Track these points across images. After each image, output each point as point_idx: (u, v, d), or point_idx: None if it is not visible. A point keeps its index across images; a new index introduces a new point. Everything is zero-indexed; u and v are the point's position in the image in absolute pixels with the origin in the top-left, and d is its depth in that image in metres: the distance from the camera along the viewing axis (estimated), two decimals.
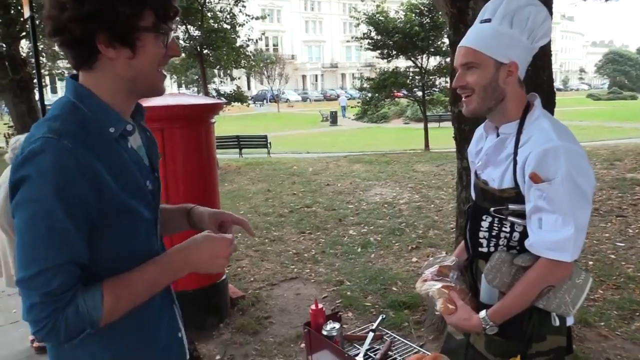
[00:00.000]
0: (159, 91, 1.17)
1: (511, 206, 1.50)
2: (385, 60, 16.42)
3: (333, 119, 31.96)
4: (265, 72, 46.97)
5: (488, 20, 1.47)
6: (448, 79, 18.11)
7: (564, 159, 1.37)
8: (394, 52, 15.91)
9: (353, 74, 63.74)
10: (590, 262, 4.79)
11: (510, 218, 1.51)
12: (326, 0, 69.03)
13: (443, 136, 21.24)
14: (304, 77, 67.02)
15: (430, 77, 16.41)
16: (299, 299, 4.32)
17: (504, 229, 1.53)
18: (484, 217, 1.57)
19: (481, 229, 1.58)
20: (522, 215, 1.48)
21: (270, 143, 16.95)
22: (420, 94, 16.63)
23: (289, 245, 5.80)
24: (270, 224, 6.67)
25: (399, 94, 18.14)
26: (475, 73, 1.46)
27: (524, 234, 1.49)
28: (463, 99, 1.52)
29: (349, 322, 3.82)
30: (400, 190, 8.65)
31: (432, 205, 7.48)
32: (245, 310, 4.10)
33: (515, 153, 1.46)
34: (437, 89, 17.07)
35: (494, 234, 1.55)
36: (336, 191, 8.68)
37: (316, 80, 69.14)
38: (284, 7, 64.63)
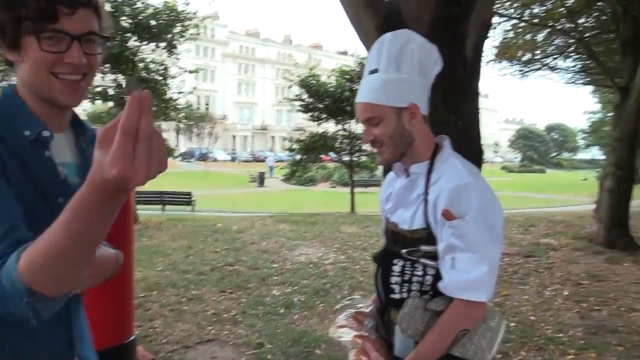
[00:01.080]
0: (58, 100, 1.07)
1: (423, 247, 1.45)
2: (316, 123, 16.71)
3: (261, 180, 31.91)
4: (195, 130, 46.65)
5: (375, 71, 1.48)
6: None
7: (475, 195, 1.37)
8: (324, 116, 16.26)
9: (283, 137, 64.58)
10: (512, 324, 4.80)
11: (422, 260, 1.46)
12: (260, 64, 70.57)
13: (369, 200, 21.69)
14: (234, 137, 67.13)
15: (358, 142, 16.82)
16: None
17: (416, 272, 1.47)
18: (395, 262, 1.51)
19: (392, 274, 1.51)
20: (434, 257, 1.44)
21: (194, 200, 16.50)
22: (348, 158, 16.96)
23: (208, 304, 5.45)
24: (189, 281, 6.30)
25: (326, 157, 18.42)
26: (379, 126, 1.46)
27: (437, 277, 1.44)
28: (375, 151, 1.53)
29: None
30: (325, 250, 8.53)
31: (358, 266, 7.39)
32: None
33: (426, 192, 1.45)
34: (364, 154, 17.49)
35: (406, 278, 1.48)
36: (261, 250, 8.43)
37: (246, 142, 69.38)
38: (218, 68, 65.33)
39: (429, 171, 1.48)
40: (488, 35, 3.19)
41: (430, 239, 1.43)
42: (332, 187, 31.71)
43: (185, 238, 9.40)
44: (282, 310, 5.33)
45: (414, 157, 1.50)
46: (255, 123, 70.25)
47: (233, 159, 55.82)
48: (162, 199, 16.60)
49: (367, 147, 17.32)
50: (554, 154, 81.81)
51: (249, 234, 10.02)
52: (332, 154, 17.65)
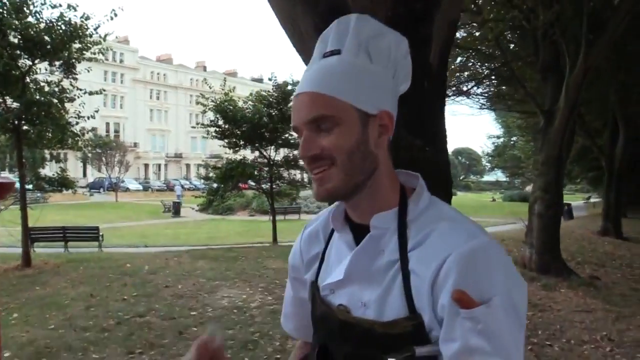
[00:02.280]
0: None
1: (419, 349, 0.88)
2: (232, 150, 15.92)
3: (175, 210, 30.33)
4: (103, 159, 44.03)
5: (337, 52, 0.94)
6: (297, 171, 18.28)
7: (498, 264, 0.86)
8: (242, 142, 15.50)
9: (198, 164, 62.79)
10: None
11: None
12: (172, 90, 68.56)
13: (290, 229, 21.06)
14: (146, 165, 64.33)
15: (278, 169, 16.22)
16: None
17: None
18: None
19: None
20: None
21: (102, 236, 15.02)
22: (267, 185, 16.27)
23: None
24: (88, 342, 5.25)
25: (245, 185, 17.66)
26: (332, 132, 0.90)
27: None
28: (314, 174, 0.92)
29: None
30: (250, 291, 7.71)
31: None
32: None
33: (404, 259, 0.91)
34: (284, 182, 16.91)
35: None
36: (176, 294, 7.45)
37: (159, 170, 66.75)
38: (127, 94, 62.66)
39: (402, 225, 0.93)
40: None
41: (419, 335, 0.88)
42: (251, 215, 30.81)
43: (87, 284, 8.19)
44: None
45: (374, 201, 0.95)
46: (168, 151, 67.78)
47: (146, 189, 53.21)
48: (64, 235, 14.92)
49: (286, 173, 17.09)
50: (462, 177, 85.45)
51: (162, 275, 8.97)
52: (251, 182, 16.88)
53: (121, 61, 62.04)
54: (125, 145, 49.92)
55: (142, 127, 64.59)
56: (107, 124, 59.30)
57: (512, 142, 38.35)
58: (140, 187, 53.31)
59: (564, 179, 9.35)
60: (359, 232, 0.98)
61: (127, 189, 49.00)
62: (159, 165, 66.83)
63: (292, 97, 15.12)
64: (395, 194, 0.97)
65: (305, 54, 2.55)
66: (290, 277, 1.19)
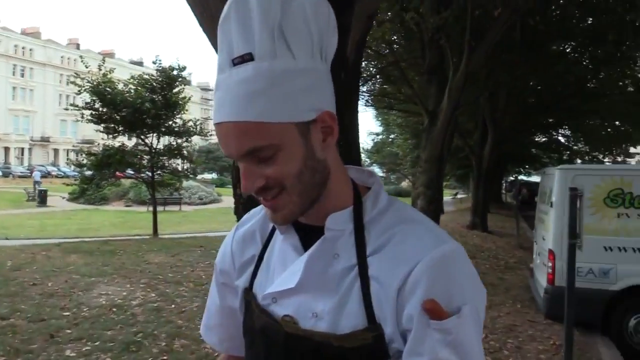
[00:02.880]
0: None
1: None
2: (110, 136, 14.85)
3: (42, 198, 27.84)
4: None
5: (248, 58, 0.76)
6: (179, 161, 17.55)
7: (466, 271, 0.82)
8: (121, 128, 14.52)
9: (68, 150, 58.32)
10: None
11: None
12: (40, 67, 62.78)
13: (170, 220, 20.26)
14: (6, 149, 58.46)
15: (161, 158, 15.44)
16: None
17: None
18: None
19: None
20: None
21: None
22: (148, 174, 15.42)
23: None
24: None
25: (121, 174, 16.63)
26: (274, 160, 0.78)
27: None
28: (264, 202, 0.84)
29: None
30: (131, 288, 7.23)
31: (173, 306, 6.33)
32: None
33: (363, 265, 0.82)
34: (167, 171, 16.15)
35: None
36: (46, 293, 6.76)
37: (22, 154, 61.01)
38: None
39: (359, 226, 0.85)
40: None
41: (379, 348, 0.80)
42: (128, 205, 29.21)
43: None
44: None
45: (325, 202, 0.85)
46: (34, 134, 62.07)
47: (6, 175, 48.31)
48: None
49: (168, 162, 16.36)
50: None
51: (28, 271, 8.11)
52: (129, 171, 15.90)
53: None
54: None
55: (3, 107, 58.53)
56: None
57: (390, 140, 40.12)
58: (0, 173, 48.31)
59: None
60: (306, 233, 0.88)
61: None
62: (22, 150, 61.10)
63: (178, 83, 14.42)
64: (349, 192, 0.88)
65: (214, 35, 2.36)
66: (217, 283, 1.05)
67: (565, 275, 5.86)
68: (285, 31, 0.77)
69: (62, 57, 65.71)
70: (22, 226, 17.52)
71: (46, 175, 48.35)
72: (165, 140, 15.87)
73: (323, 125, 0.81)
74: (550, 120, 21.55)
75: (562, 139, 27.83)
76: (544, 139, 28.15)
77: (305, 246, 0.87)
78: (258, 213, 1.01)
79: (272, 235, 0.95)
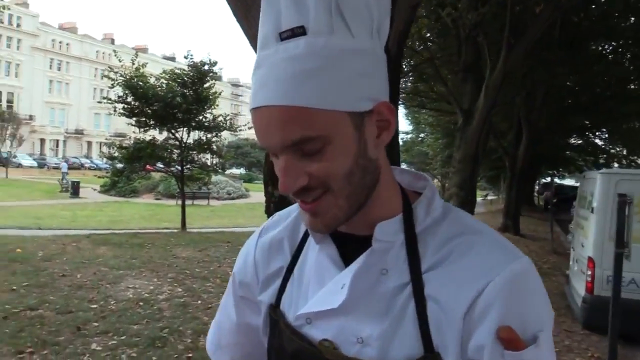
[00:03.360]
0: None
1: None
2: (141, 130, 15.00)
3: (75, 189, 28.36)
4: None
5: (300, 32, 0.64)
6: (208, 155, 17.62)
7: (541, 292, 0.71)
8: (152, 122, 14.63)
9: (101, 143, 59.50)
10: None
11: None
12: (76, 61, 64.12)
13: (199, 214, 20.40)
14: (42, 140, 59.90)
15: (190, 152, 15.54)
16: None
17: None
18: None
19: None
20: None
21: None
22: (178, 168, 15.52)
23: None
24: None
25: (151, 167, 16.81)
26: (322, 155, 0.66)
27: None
28: (303, 205, 0.71)
29: None
30: (158, 282, 7.23)
31: (200, 302, 6.28)
32: None
33: (418, 282, 0.70)
34: (196, 165, 16.25)
35: None
36: (74, 285, 6.80)
37: (57, 146, 62.43)
38: (24, 62, 57.75)
39: (412, 238, 0.73)
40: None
41: None
42: (157, 198, 29.55)
43: None
44: None
45: (371, 208, 0.74)
46: (68, 126, 63.45)
47: (41, 166, 49.46)
48: None
49: (197, 157, 16.48)
50: None
51: (58, 262, 8.20)
52: (160, 164, 16.04)
53: (18, 25, 57.12)
54: (19, 117, 46.02)
55: (40, 99, 60.01)
56: None
57: (420, 139, 39.71)
58: (35, 164, 49.55)
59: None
60: (345, 244, 0.76)
61: (19, 165, 45.32)
62: (57, 141, 62.50)
63: (209, 78, 14.47)
64: (397, 197, 0.76)
65: (249, 24, 2.25)
66: (235, 296, 0.92)
67: (604, 284, 5.65)
68: (342, 4, 0.65)
69: (97, 51, 66.93)
70: (54, 216, 17.84)
71: (79, 167, 49.49)
72: (195, 134, 15.95)
73: (379, 119, 0.70)
74: (587, 122, 20.93)
75: (598, 142, 27.03)
76: (579, 142, 27.40)
77: (345, 259, 0.76)
78: (285, 218, 0.89)
79: (302, 244, 0.83)
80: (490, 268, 0.68)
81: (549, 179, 37.54)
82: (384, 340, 0.70)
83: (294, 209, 0.88)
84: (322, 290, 0.76)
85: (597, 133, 25.03)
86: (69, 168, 47.49)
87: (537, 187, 37.65)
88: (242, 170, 52.86)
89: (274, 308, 0.83)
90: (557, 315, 6.65)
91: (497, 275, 0.67)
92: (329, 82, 0.64)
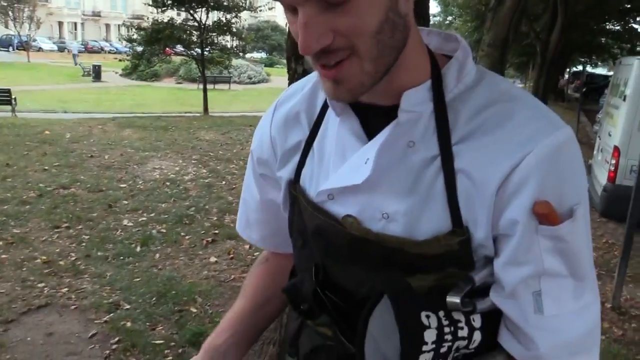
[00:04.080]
0: None
1: (477, 276, 0.67)
2: (159, 10, 14.55)
3: (96, 73, 28.26)
4: (10, 14, 39.42)
5: None
6: (228, 38, 17.17)
7: (580, 163, 0.66)
8: (169, 1, 14.15)
9: (119, 25, 58.18)
10: None
11: (479, 306, 0.68)
12: None
13: (220, 99, 20.33)
14: (60, 23, 58.74)
15: (210, 34, 15.16)
16: (52, 342, 2.91)
17: (459, 333, 0.66)
18: (421, 319, 0.64)
19: (416, 343, 0.63)
20: (480, 292, 0.68)
21: (15, 99, 13.78)
22: (198, 51, 15.24)
23: (37, 248, 4.18)
24: (7, 215, 4.86)
25: (171, 50, 16.52)
26: (350, 7, 0.57)
27: (488, 333, 0.69)
28: (325, 70, 0.62)
29: None
30: (183, 163, 7.40)
31: (224, 183, 6.46)
32: None
33: (447, 155, 0.66)
34: (216, 48, 15.92)
35: (443, 349, 0.65)
36: (103, 165, 7.01)
37: (75, 29, 61.26)
38: None
39: (441, 107, 0.67)
40: None
41: (464, 255, 0.66)
42: (179, 82, 29.39)
43: (2, 151, 7.52)
44: (138, 249, 4.31)
45: (397, 74, 0.66)
46: (85, 8, 61.78)
47: (61, 49, 48.94)
48: None
49: (217, 39, 16.04)
50: None
51: (86, 143, 8.40)
52: (179, 47, 15.75)
53: None
54: None
55: None
56: None
57: (447, 22, 38.01)
58: (55, 48, 48.96)
59: None
60: (367, 115, 0.71)
61: (39, 49, 44.93)
62: (75, 24, 61.22)
63: None
64: (425, 62, 0.68)
65: None
66: (255, 174, 0.89)
67: (627, 173, 5.61)
68: None
69: None
70: (79, 100, 17.98)
71: (99, 50, 48.88)
72: (214, 16, 15.45)
73: None
74: (629, 5, 19.58)
75: (638, 27, 25.47)
76: (617, 27, 25.85)
77: (367, 132, 0.71)
78: (300, 90, 0.83)
79: (321, 117, 0.78)
80: (528, 139, 0.63)
81: (580, 68, 36.16)
82: (410, 216, 0.67)
83: (309, 80, 0.83)
84: (344, 165, 0.72)
85: (638, 18, 23.51)
86: (89, 51, 47.09)
87: (566, 76, 36.29)
88: (263, 55, 51.74)
89: (294, 184, 0.80)
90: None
91: (536, 147, 0.62)
92: None
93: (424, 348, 0.64)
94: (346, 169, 0.71)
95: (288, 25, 0.64)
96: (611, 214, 5.86)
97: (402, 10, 0.61)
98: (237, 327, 0.92)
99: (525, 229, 0.63)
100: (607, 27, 25.67)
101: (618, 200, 5.34)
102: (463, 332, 0.66)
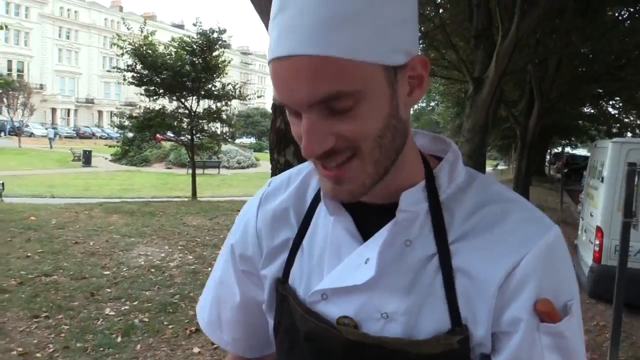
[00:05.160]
0: None
1: None
2: (151, 99, 15.00)
3: (87, 158, 28.61)
4: (4, 100, 40.35)
5: None
6: (218, 125, 17.59)
7: (569, 261, 0.70)
8: (161, 91, 14.62)
9: (112, 112, 59.55)
10: None
11: None
12: (85, 29, 63.70)
13: (209, 183, 20.54)
14: (53, 110, 59.99)
15: (200, 121, 15.55)
16: None
17: None
18: None
19: None
20: None
21: (2, 184, 13.80)
22: (188, 137, 15.56)
23: (14, 339, 4.03)
24: None
25: (161, 137, 16.85)
26: (354, 113, 0.60)
27: None
28: (326, 171, 0.64)
29: None
30: (169, 249, 7.34)
31: (210, 269, 6.36)
32: None
33: (445, 254, 0.67)
34: (206, 134, 16.27)
35: None
36: (87, 252, 6.93)
37: (68, 115, 62.51)
38: (33, 30, 57.45)
39: (436, 206, 0.69)
40: None
41: (462, 354, 0.66)
42: (168, 167, 29.76)
43: None
44: (119, 339, 4.17)
45: (396, 176, 0.68)
46: (79, 95, 63.45)
47: (53, 135, 49.69)
48: None
49: (207, 126, 16.48)
50: None
51: (71, 229, 8.34)
52: (170, 134, 16.08)
53: None
54: (30, 86, 46.01)
55: (50, 68, 59.89)
56: (10, 62, 54.55)
57: (430, 108, 39.37)
58: (47, 133, 49.79)
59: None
60: (358, 214, 0.72)
61: (31, 134, 45.58)
62: (68, 111, 62.54)
63: (218, 46, 14.30)
64: (418, 163, 0.71)
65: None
66: (236, 270, 0.85)
67: (612, 254, 5.66)
68: None
69: (105, 19, 66.35)
70: (67, 185, 18.04)
71: (91, 136, 49.70)
72: (204, 103, 15.92)
73: (412, 75, 0.64)
74: (601, 90, 20.56)
75: (612, 110, 26.60)
76: (592, 111, 26.98)
77: (361, 231, 0.71)
78: (286, 184, 0.83)
79: (310, 214, 0.77)
80: (525, 239, 0.65)
81: (560, 149, 37.21)
82: (410, 315, 0.67)
83: (295, 174, 0.83)
84: (341, 265, 0.71)
85: (610, 102, 24.62)
86: (80, 137, 47.79)
87: (548, 157, 37.31)
88: (252, 140, 52.86)
89: (282, 283, 0.78)
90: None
91: (534, 247, 0.65)
92: (366, 29, 0.57)
93: None
94: (343, 268, 0.70)
95: (291, 127, 0.65)
96: (599, 295, 5.84)
97: (402, 116, 0.64)
98: None
99: (527, 327, 0.64)
100: (584, 110, 26.77)
101: (605, 280, 5.35)
102: None
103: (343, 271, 0.70)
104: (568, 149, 40.56)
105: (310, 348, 0.74)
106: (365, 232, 0.71)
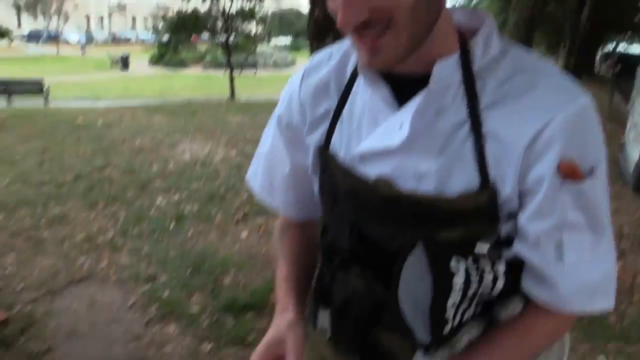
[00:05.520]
0: None
1: (501, 229, 0.73)
2: (183, 1, 14.72)
3: (124, 63, 28.77)
4: (39, 7, 40.28)
5: None
6: (253, 24, 17.24)
7: (599, 126, 0.71)
8: None
9: (145, 17, 58.85)
10: None
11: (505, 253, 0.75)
12: None
13: (246, 84, 20.47)
14: (87, 17, 59.60)
15: (234, 21, 15.27)
16: (94, 311, 3.05)
17: (485, 279, 0.74)
18: (451, 265, 0.72)
19: (443, 289, 0.73)
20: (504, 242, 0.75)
21: (47, 89, 14.16)
22: (223, 38, 15.37)
23: (76, 226, 4.34)
24: (47, 196, 5.04)
25: (196, 38, 16.69)
26: None
27: (509, 281, 0.76)
28: (362, 43, 0.67)
29: (172, 340, 2.75)
30: (213, 145, 7.52)
31: None
32: (11, 342, 2.71)
33: (476, 120, 0.70)
34: (242, 34, 16.04)
35: (471, 292, 0.74)
36: (135, 149, 7.17)
37: (102, 22, 62.11)
38: None
39: (469, 76, 0.71)
40: None
41: (491, 210, 0.72)
42: (205, 69, 29.68)
43: (38, 138, 7.75)
44: (172, 226, 4.43)
45: (431, 47, 0.71)
46: (111, 1, 62.51)
47: (89, 41, 49.80)
48: (6, 88, 13.95)
49: (242, 26, 16.09)
50: None
51: (118, 129, 8.60)
52: (205, 35, 15.93)
53: None
54: None
55: None
56: None
57: (473, 3, 37.33)
58: (84, 40, 49.91)
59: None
60: (396, 84, 0.75)
61: (67, 42, 45.80)
62: (102, 17, 62.07)
63: None
64: (453, 36, 0.73)
65: None
66: (284, 139, 0.91)
67: None
68: None
69: None
70: (108, 89, 18.34)
71: (126, 41, 49.61)
72: (237, 4, 15.54)
73: None
74: None
75: None
76: None
77: (397, 100, 0.75)
78: (327, 59, 0.86)
79: (350, 86, 0.82)
80: (553, 105, 0.68)
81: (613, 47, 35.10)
82: (441, 174, 0.72)
83: (335, 50, 0.86)
84: (377, 130, 0.76)
85: None
86: (116, 42, 47.72)
87: (599, 55, 35.26)
88: (287, 41, 51.70)
89: (323, 150, 0.84)
90: (608, 181, 6.62)
91: (562, 111, 0.67)
92: None
93: (453, 291, 0.72)
94: (380, 133, 0.76)
95: (327, 2, 0.67)
96: None
97: None
98: (298, 297, 0.89)
99: (550, 185, 0.69)
100: None
101: None
102: (488, 279, 0.73)
103: (379, 135, 0.76)
104: (623, 45, 38.14)
105: (351, 205, 0.80)
106: (401, 101, 0.75)
